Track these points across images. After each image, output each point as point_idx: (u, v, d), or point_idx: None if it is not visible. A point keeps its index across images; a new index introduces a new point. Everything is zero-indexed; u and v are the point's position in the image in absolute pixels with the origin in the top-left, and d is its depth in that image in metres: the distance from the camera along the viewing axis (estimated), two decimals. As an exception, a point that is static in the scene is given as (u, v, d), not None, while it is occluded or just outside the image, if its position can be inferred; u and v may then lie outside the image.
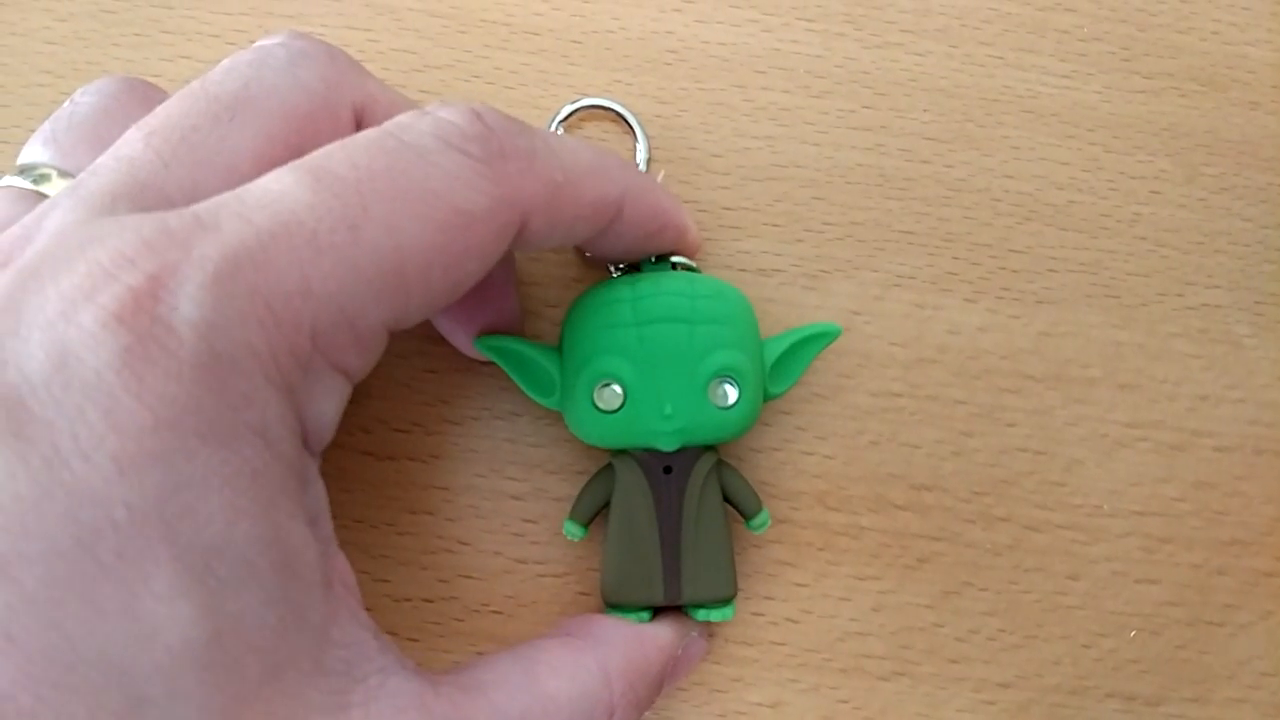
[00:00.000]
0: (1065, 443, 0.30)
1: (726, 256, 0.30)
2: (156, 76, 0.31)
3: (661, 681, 0.25)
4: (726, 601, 0.27)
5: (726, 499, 0.27)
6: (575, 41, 0.32)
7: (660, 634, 0.26)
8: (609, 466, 0.27)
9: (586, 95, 0.31)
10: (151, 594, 0.16)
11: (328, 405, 0.20)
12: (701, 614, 0.27)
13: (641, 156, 0.30)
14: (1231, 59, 0.34)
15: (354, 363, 0.20)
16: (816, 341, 0.27)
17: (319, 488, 0.20)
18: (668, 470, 0.26)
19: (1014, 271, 0.31)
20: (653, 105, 0.31)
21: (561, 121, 0.30)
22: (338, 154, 0.19)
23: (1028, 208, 0.32)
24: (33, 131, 0.29)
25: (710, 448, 0.27)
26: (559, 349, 0.27)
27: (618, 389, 0.25)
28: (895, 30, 0.33)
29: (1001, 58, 0.33)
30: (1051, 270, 0.31)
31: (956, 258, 0.31)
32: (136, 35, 0.31)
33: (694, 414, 0.25)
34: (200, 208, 0.18)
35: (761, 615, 0.29)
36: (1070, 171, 0.32)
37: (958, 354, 0.30)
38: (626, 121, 0.31)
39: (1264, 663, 0.29)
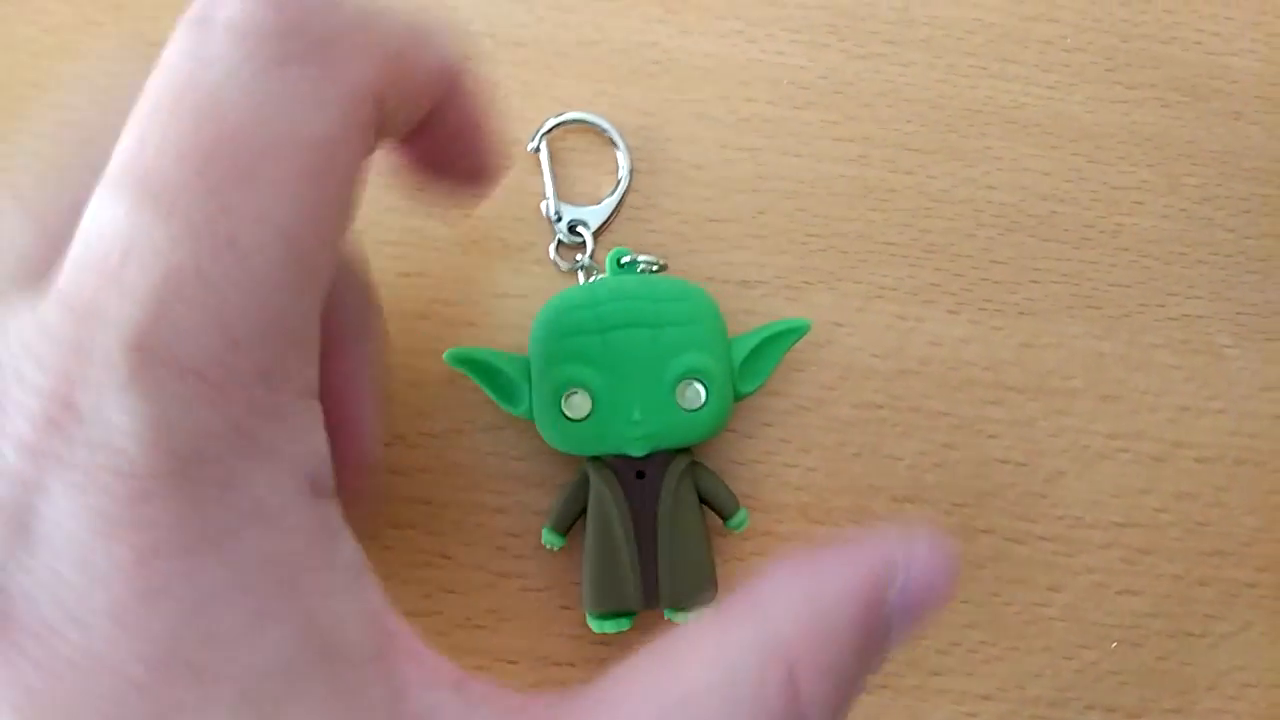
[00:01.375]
0: (1047, 454, 0.30)
1: (709, 268, 0.31)
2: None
3: (873, 628, 0.18)
4: (707, 605, 0.27)
5: (703, 501, 0.27)
6: (559, 53, 0.32)
7: (845, 572, 0.18)
8: (584, 474, 0.27)
9: (570, 107, 0.31)
10: None
11: (313, 434, 0.17)
12: (681, 618, 0.27)
13: (624, 169, 0.31)
14: (1214, 69, 0.34)
15: (312, 373, 0.17)
16: (786, 337, 0.28)
17: (347, 536, 0.17)
18: (640, 475, 0.27)
19: (996, 283, 0.31)
20: (636, 116, 0.31)
21: (544, 135, 0.30)
22: (152, 147, 0.16)
23: (1010, 219, 0.32)
24: (18, 144, 0.30)
25: (683, 450, 0.27)
26: (527, 358, 0.27)
27: (585, 396, 0.26)
28: (878, 41, 0.33)
29: (984, 68, 0.33)
30: (1034, 281, 0.31)
31: (939, 269, 0.31)
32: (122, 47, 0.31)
33: (663, 418, 0.26)
34: (70, 295, 0.15)
35: (744, 627, 0.29)
36: (1053, 182, 0.32)
37: (940, 365, 0.31)
38: (609, 134, 0.31)
39: (1246, 674, 0.30)
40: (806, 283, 0.31)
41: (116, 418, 0.14)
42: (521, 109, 0.31)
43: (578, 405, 0.26)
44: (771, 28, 0.33)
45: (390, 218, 0.30)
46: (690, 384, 0.26)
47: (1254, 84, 0.34)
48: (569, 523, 0.27)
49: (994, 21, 0.33)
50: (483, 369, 0.27)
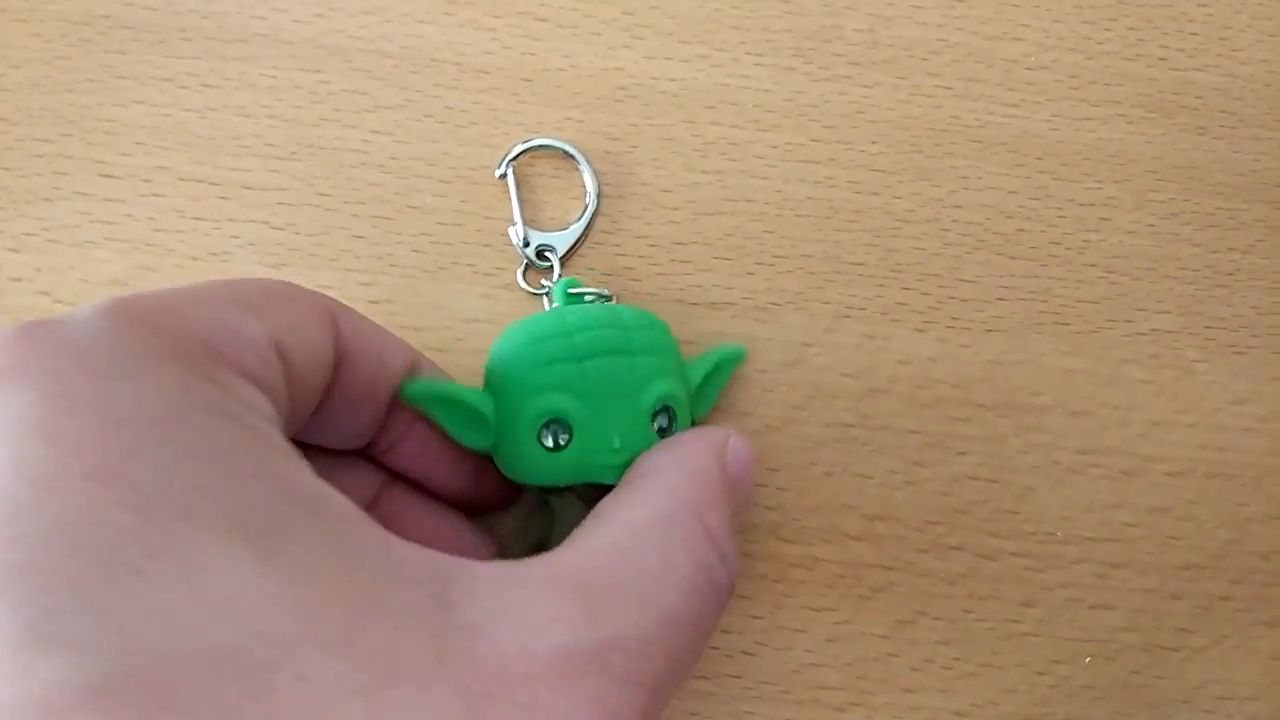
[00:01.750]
0: (1017, 470, 0.30)
1: (678, 290, 0.31)
2: (111, 121, 0.31)
3: (729, 485, 0.23)
4: None
5: None
6: (526, 80, 0.32)
7: (700, 438, 0.24)
8: (545, 505, 0.27)
9: (537, 133, 0.31)
10: (211, 571, 0.15)
11: (264, 407, 0.19)
12: None
13: (591, 193, 0.31)
14: (1179, 85, 0.34)
15: (263, 371, 0.19)
16: (729, 364, 0.29)
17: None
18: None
19: (963, 301, 0.31)
20: (603, 142, 0.32)
21: (510, 161, 0.31)
22: None
23: (976, 237, 0.32)
24: (-13, 178, 0.30)
25: None
26: (488, 389, 0.26)
27: (563, 426, 0.25)
28: (843, 63, 0.33)
29: (949, 88, 0.33)
30: (1001, 299, 0.31)
31: (906, 288, 0.31)
32: (90, 81, 0.31)
33: (639, 444, 0.25)
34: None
35: (717, 648, 0.29)
36: (1019, 200, 0.32)
37: (909, 384, 0.31)
38: (575, 159, 0.31)
39: (1219, 687, 0.30)
40: (775, 303, 0.31)
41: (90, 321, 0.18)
42: (488, 135, 0.31)
43: (556, 435, 0.25)
44: (736, 51, 0.33)
45: (358, 245, 0.30)
46: (663, 412, 0.25)
47: (1219, 99, 0.34)
48: (526, 552, 0.26)
49: (958, 41, 0.34)
50: (444, 403, 0.25)
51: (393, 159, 0.31)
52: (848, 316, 0.31)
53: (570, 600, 0.18)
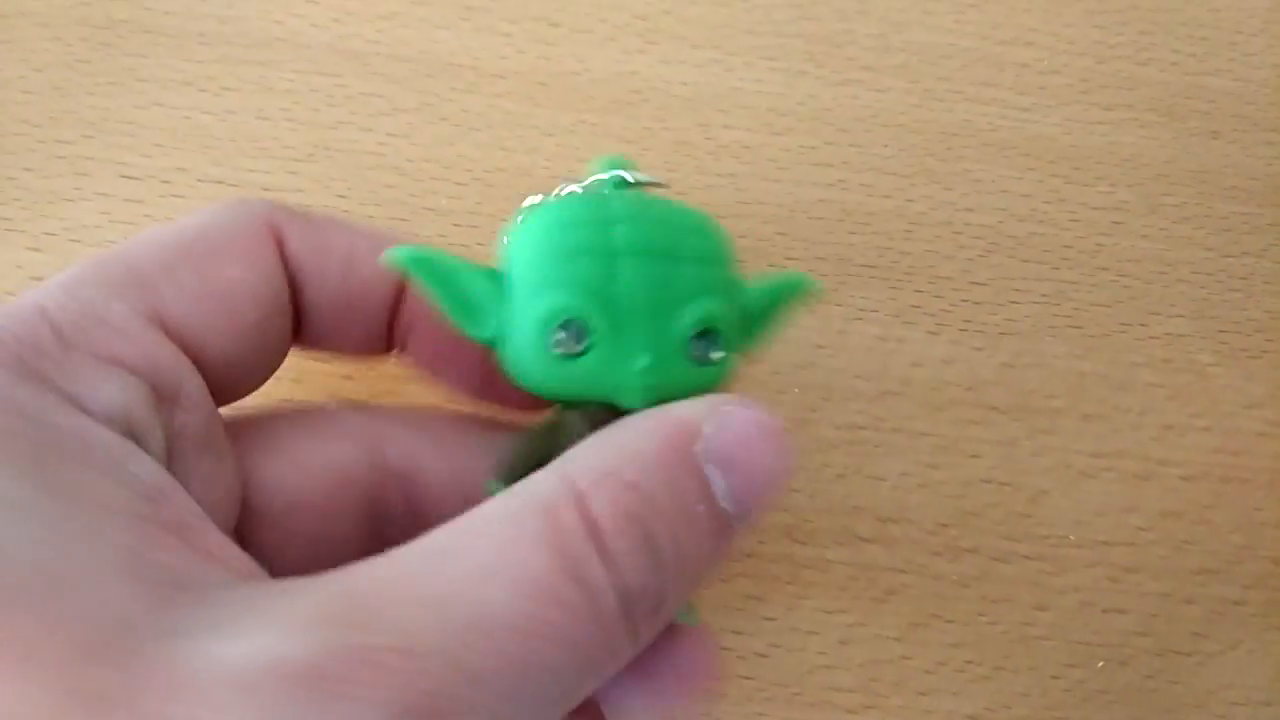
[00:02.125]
0: (1030, 473, 0.30)
1: (691, 293, 0.31)
2: (131, 123, 0.31)
3: (688, 467, 0.18)
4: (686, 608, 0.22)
5: None
6: (541, 83, 0.32)
7: (666, 410, 0.19)
8: (552, 422, 0.22)
9: (552, 137, 0.32)
10: None
11: (105, 391, 0.18)
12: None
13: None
14: (1191, 89, 0.34)
15: (128, 351, 0.18)
16: (794, 293, 0.23)
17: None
18: None
19: (976, 304, 0.31)
20: (617, 145, 0.32)
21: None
22: None
23: (989, 240, 0.32)
24: (11, 180, 0.30)
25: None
26: (501, 273, 0.21)
27: (580, 331, 0.20)
28: (855, 67, 0.33)
29: (961, 92, 0.33)
30: (1014, 302, 0.32)
31: (919, 291, 0.31)
32: (111, 84, 0.32)
33: (670, 369, 0.21)
34: None
35: (730, 649, 0.29)
36: (1031, 203, 0.32)
37: (922, 386, 0.31)
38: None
39: (1233, 692, 0.29)
40: (787, 306, 0.31)
41: None
42: (503, 138, 0.32)
43: (570, 340, 0.20)
44: (749, 56, 0.33)
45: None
46: (707, 336, 0.21)
47: (1231, 103, 0.34)
48: (522, 476, 0.20)
49: (969, 46, 0.34)
50: (441, 275, 0.21)
51: (409, 161, 0.31)
52: (860, 319, 0.31)
53: (319, 607, 0.15)
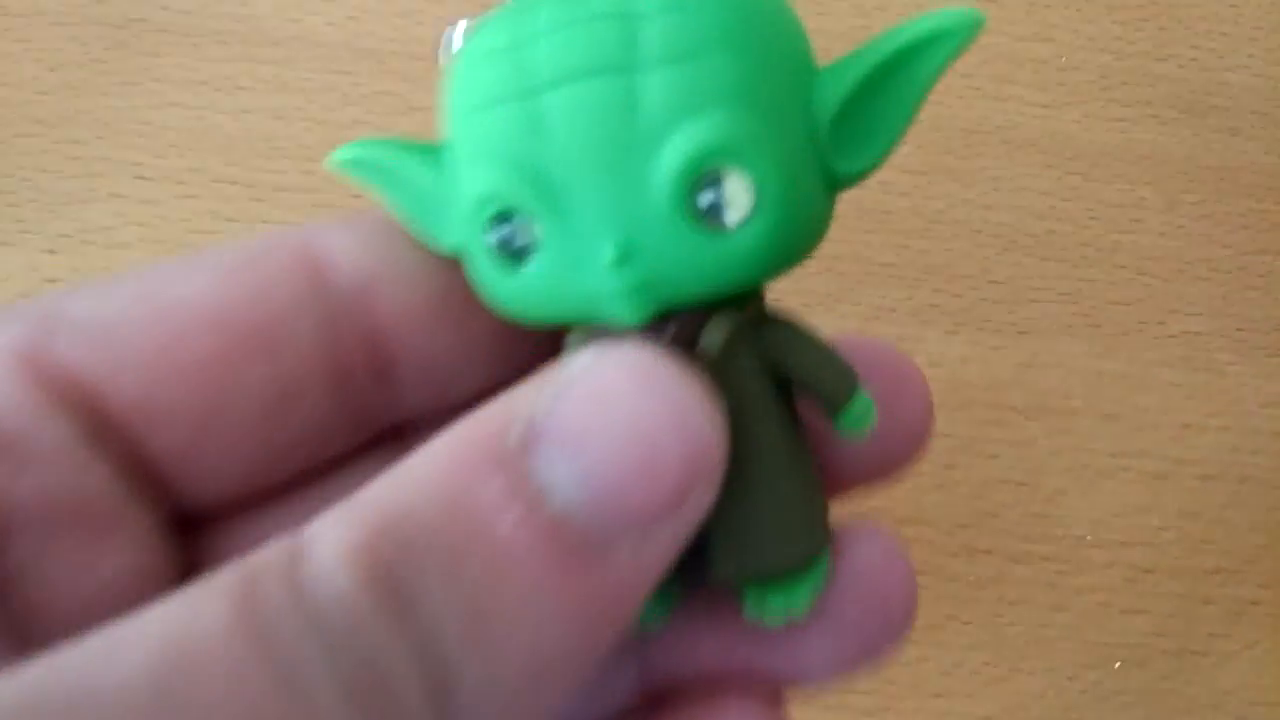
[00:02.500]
0: (1048, 474, 0.30)
1: (707, 292, 0.31)
2: (145, 124, 0.31)
3: (470, 462, 0.12)
4: (797, 571, 0.15)
5: (784, 380, 0.15)
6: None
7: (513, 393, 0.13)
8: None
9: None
10: None
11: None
12: (757, 598, 0.15)
13: None
14: (1210, 86, 0.34)
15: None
16: (931, 48, 0.14)
17: None
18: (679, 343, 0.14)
19: (994, 302, 0.31)
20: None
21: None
22: None
23: (1007, 238, 0.32)
24: (25, 180, 0.30)
25: (727, 302, 0.14)
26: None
27: (521, 222, 0.14)
28: (873, 65, 0.33)
29: (979, 89, 0.33)
30: (1032, 300, 0.31)
31: (937, 289, 0.31)
32: (126, 84, 0.32)
33: (667, 248, 0.13)
34: None
35: (746, 650, 0.29)
36: (1049, 201, 0.32)
37: (939, 386, 0.30)
38: None
39: (1250, 692, 0.29)
40: (804, 305, 0.31)
41: None
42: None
43: (510, 238, 0.14)
44: (766, 53, 0.33)
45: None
46: (714, 181, 0.13)
47: (1251, 99, 0.34)
48: None
49: (988, 42, 0.33)
50: (389, 173, 0.15)
51: (424, 161, 0.31)
52: (878, 318, 0.31)
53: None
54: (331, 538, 0.11)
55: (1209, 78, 0.34)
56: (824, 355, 0.15)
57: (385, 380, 0.16)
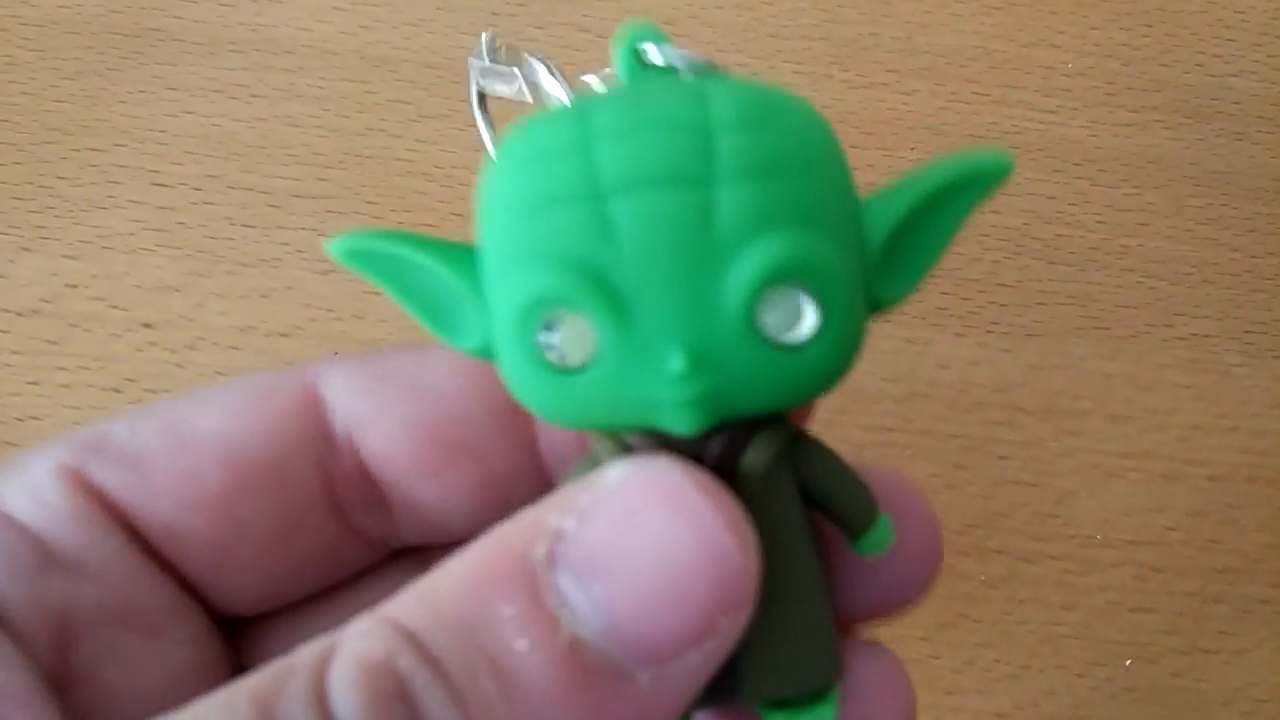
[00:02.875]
0: (1057, 474, 0.31)
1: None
2: (162, 132, 0.31)
3: (490, 584, 0.12)
4: (819, 695, 0.16)
5: (817, 505, 0.15)
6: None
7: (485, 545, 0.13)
8: (593, 459, 0.15)
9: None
10: None
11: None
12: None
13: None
14: (1216, 91, 0.34)
15: (17, 504, 0.16)
16: (968, 188, 0.15)
17: None
18: (701, 460, 0.14)
19: (1003, 305, 0.32)
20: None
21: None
22: None
23: (1016, 242, 0.32)
24: (45, 188, 0.31)
25: (775, 420, 0.15)
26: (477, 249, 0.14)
27: (581, 326, 0.13)
28: (881, 70, 0.33)
29: (987, 95, 0.33)
30: (1041, 303, 0.32)
31: (946, 293, 0.32)
32: (142, 93, 0.32)
33: (734, 361, 0.13)
34: None
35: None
36: (1057, 205, 0.33)
37: (949, 388, 0.31)
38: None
39: (1260, 689, 0.30)
40: (815, 309, 0.31)
41: None
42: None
43: (566, 344, 0.13)
44: (774, 60, 0.33)
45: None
46: (787, 296, 0.13)
47: (1256, 104, 0.34)
48: None
49: (995, 49, 0.34)
50: (393, 270, 0.15)
51: (437, 167, 0.32)
52: (887, 321, 0.31)
53: None
54: (352, 652, 0.11)
55: (1215, 83, 0.34)
56: (853, 477, 0.16)
57: (382, 511, 0.18)
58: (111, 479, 0.16)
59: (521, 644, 0.11)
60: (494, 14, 0.33)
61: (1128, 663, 0.30)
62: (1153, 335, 0.32)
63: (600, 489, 0.12)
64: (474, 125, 0.32)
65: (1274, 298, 0.32)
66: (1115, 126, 0.33)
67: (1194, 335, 0.32)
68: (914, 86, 0.33)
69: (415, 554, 0.19)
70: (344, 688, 0.11)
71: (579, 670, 0.11)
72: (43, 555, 0.16)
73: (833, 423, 0.30)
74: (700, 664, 0.12)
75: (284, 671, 0.12)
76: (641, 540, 0.12)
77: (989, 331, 0.31)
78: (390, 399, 0.17)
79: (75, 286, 0.30)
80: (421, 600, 0.12)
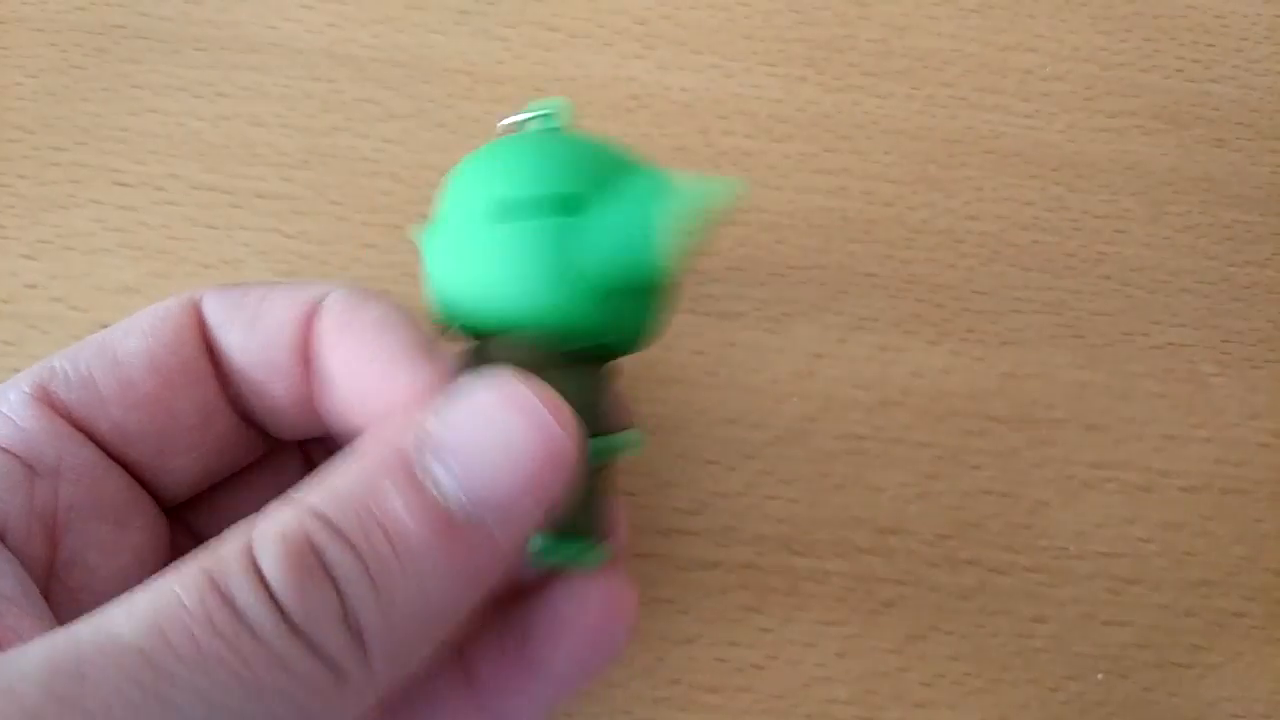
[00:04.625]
0: (1031, 484, 0.30)
1: (690, 301, 0.31)
2: (124, 130, 0.31)
3: (373, 466, 0.17)
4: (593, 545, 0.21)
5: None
6: (538, 89, 0.32)
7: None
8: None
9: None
10: None
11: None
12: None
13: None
14: (1195, 97, 0.34)
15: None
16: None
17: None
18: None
19: (978, 313, 0.31)
20: (615, 151, 0.32)
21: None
22: None
23: (991, 248, 0.32)
24: (5, 186, 0.30)
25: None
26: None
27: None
28: (857, 73, 0.33)
29: (963, 99, 0.33)
30: (1016, 311, 0.31)
31: (920, 300, 0.31)
32: (105, 90, 0.31)
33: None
34: None
35: (726, 661, 0.29)
36: (1034, 211, 0.32)
37: (922, 396, 0.31)
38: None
39: (1233, 704, 0.29)
40: (787, 314, 0.31)
41: None
42: (501, 145, 0.31)
43: None
44: (749, 61, 0.33)
45: (369, 254, 0.30)
46: None
47: (1235, 110, 0.34)
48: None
49: (972, 52, 0.33)
50: None
51: (404, 168, 0.31)
52: (860, 328, 0.31)
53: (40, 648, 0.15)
54: (276, 529, 0.16)
55: (1194, 89, 0.34)
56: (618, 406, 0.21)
57: (260, 408, 0.22)
58: (70, 397, 0.20)
59: (402, 511, 0.16)
60: (463, 13, 0.33)
61: (1100, 676, 0.29)
62: (1129, 344, 0.31)
63: (459, 395, 0.17)
64: (442, 127, 0.32)
65: (1251, 307, 0.32)
66: (1093, 132, 0.33)
67: (1170, 344, 0.32)
68: (890, 89, 0.33)
69: (314, 443, 0.24)
70: (271, 558, 0.15)
71: (446, 525, 0.16)
72: (28, 469, 0.19)
73: (805, 431, 0.30)
74: (533, 511, 0.17)
75: (222, 550, 0.16)
76: (486, 429, 0.17)
77: (963, 339, 0.31)
78: (245, 321, 0.21)
79: (34, 287, 0.30)
80: (324, 486, 0.16)
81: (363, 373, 0.20)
